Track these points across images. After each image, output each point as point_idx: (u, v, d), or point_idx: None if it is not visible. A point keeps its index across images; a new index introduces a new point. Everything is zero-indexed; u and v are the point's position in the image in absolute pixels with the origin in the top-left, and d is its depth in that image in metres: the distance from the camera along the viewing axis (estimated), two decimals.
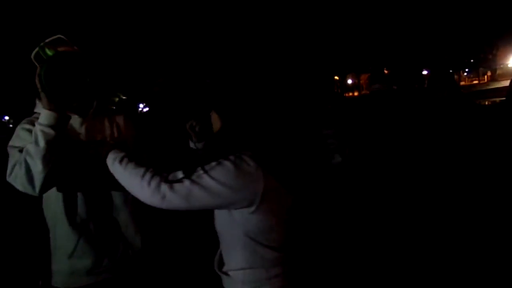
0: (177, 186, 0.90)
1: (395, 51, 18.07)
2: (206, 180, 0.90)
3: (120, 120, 1.37)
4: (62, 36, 1.15)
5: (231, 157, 0.93)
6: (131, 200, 1.25)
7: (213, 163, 0.93)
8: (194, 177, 0.91)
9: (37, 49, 1.10)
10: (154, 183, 0.92)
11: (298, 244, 1.01)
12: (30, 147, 1.05)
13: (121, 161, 1.01)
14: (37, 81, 1.03)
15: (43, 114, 1.06)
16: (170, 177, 0.93)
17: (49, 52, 1.11)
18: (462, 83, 30.70)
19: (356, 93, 32.90)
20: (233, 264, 1.00)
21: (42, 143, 1.04)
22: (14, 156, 1.11)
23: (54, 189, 1.18)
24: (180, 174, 0.93)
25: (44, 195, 1.21)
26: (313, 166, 1.07)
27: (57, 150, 1.07)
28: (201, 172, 0.92)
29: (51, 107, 1.06)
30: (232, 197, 0.91)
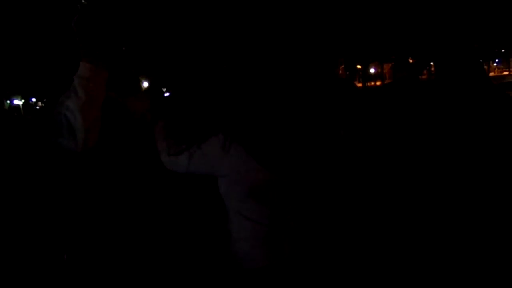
0: (180, 156, 1.14)
1: (420, 39, 17.43)
2: (197, 151, 1.12)
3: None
4: None
5: (220, 135, 1.11)
6: None
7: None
8: (191, 149, 1.13)
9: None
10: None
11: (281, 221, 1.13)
12: (69, 102, 1.08)
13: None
14: (74, 29, 1.07)
15: (80, 67, 1.10)
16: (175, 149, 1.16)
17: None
18: (492, 73, 29.44)
19: (378, 83, 32.10)
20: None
21: (81, 94, 1.07)
22: None
23: None
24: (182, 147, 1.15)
25: None
26: (300, 149, 1.14)
27: (96, 105, 1.10)
28: (195, 145, 1.13)
29: (87, 59, 1.09)
30: (213, 167, 1.12)
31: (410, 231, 2.16)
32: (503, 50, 26.02)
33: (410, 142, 2.35)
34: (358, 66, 29.09)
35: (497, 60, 31.38)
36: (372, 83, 32.51)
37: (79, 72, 1.10)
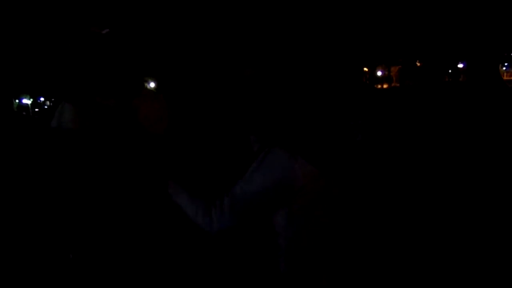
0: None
1: (429, 42, 17.26)
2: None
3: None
4: None
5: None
6: None
7: None
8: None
9: None
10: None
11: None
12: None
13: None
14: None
15: (64, 108, 1.17)
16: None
17: None
18: None
19: (385, 85, 31.94)
20: None
21: (69, 125, 1.15)
22: None
23: None
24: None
25: None
26: (341, 149, 1.07)
27: (84, 117, 1.16)
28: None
29: (71, 100, 1.16)
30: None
31: (420, 235, 2.13)
32: None
33: (422, 145, 2.33)
34: (365, 69, 28.95)
35: (506, 64, 31.06)
36: (379, 86, 32.33)
37: (63, 117, 1.17)
